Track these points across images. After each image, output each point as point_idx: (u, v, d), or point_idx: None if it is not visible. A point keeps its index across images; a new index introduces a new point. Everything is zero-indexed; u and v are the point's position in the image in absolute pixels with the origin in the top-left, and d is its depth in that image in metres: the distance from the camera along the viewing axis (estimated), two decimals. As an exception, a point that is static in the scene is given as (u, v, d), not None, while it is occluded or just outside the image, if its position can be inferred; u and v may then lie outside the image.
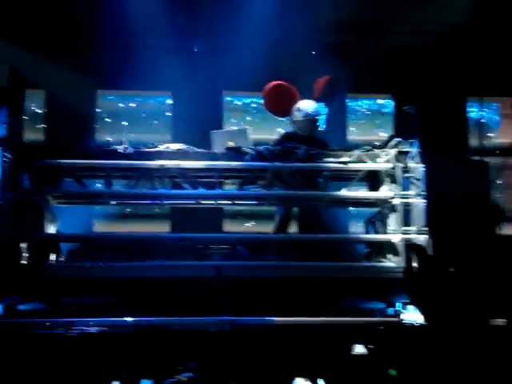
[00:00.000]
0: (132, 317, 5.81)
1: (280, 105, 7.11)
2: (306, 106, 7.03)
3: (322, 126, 7.06)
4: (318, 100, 7.06)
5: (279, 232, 6.88)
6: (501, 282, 5.81)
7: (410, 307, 5.99)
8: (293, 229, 7.05)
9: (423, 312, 4.69)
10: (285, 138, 7.08)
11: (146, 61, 8.90)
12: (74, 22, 9.09)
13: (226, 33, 9.03)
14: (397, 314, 6.10)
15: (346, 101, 9.75)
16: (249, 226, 9.33)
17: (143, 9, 8.86)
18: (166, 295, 5.95)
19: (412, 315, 5.95)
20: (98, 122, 9.63)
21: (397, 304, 6.13)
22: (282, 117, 7.41)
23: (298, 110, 7.04)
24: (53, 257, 6.32)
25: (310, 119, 7.02)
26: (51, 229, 6.41)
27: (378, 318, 6.25)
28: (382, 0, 9.26)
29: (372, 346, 4.82)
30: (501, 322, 4.88)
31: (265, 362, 5.30)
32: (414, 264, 6.12)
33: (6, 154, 6.21)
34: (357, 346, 4.91)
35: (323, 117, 7.06)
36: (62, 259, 6.38)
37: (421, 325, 5.61)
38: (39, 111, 9.56)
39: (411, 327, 5.76)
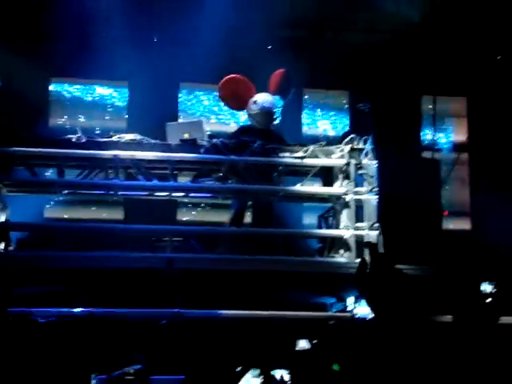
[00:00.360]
0: (81, 307, 5.76)
1: (236, 98, 7.10)
2: (262, 98, 7.04)
3: (278, 119, 7.08)
4: (273, 93, 7.08)
5: (234, 225, 6.88)
6: (447, 278, 5.90)
7: (362, 302, 6.04)
8: (248, 222, 7.07)
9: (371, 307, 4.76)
10: (241, 132, 7.09)
11: (102, 50, 8.78)
12: (29, 8, 8.96)
13: (182, 25, 8.98)
14: (347, 309, 6.15)
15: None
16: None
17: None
18: (116, 286, 5.91)
19: (363, 310, 6.01)
20: (52, 109, 9.50)
21: (348, 299, 6.18)
22: (237, 110, 7.41)
23: (255, 102, 7.04)
24: (2, 245, 6.23)
25: (267, 112, 7.02)
26: (1, 217, 6.32)
27: (328, 312, 6.31)
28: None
29: (316, 341, 4.85)
30: (447, 318, 4.96)
31: (214, 355, 5.29)
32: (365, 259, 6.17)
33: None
34: (301, 340, 4.94)
35: (279, 109, 7.08)
36: (11, 248, 6.30)
37: (370, 320, 5.67)
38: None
39: (361, 322, 5.81)
